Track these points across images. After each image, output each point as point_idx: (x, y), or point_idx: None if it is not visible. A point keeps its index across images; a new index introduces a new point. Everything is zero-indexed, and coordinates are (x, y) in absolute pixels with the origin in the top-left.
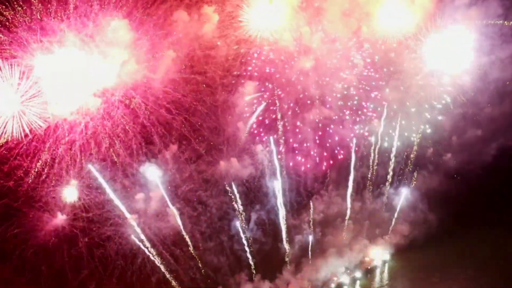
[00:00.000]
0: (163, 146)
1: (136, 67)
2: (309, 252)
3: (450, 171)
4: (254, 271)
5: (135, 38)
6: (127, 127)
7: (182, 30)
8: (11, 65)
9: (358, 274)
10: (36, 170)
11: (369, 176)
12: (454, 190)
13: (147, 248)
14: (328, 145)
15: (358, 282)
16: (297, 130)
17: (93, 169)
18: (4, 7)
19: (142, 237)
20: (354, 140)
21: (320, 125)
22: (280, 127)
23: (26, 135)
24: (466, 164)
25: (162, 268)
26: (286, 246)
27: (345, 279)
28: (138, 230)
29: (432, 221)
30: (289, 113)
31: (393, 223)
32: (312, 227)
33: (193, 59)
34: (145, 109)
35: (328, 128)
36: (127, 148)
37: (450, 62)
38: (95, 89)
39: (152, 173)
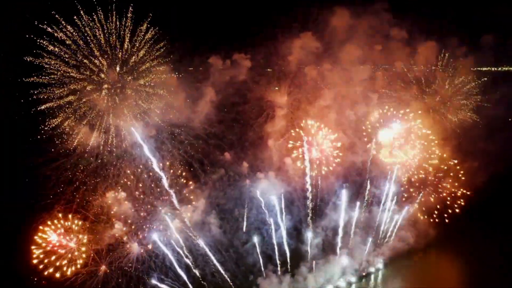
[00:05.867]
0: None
1: (179, 107)
2: (320, 253)
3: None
4: (278, 267)
5: (178, 82)
6: (173, 156)
7: (217, 76)
8: None
9: (353, 278)
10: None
11: (376, 192)
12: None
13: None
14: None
15: (354, 286)
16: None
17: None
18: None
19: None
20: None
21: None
22: (305, 150)
23: None
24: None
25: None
26: (305, 247)
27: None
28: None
29: (429, 232)
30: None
31: (394, 232)
32: (325, 231)
33: (228, 99)
34: (188, 143)
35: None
36: (173, 173)
37: None
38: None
39: None
